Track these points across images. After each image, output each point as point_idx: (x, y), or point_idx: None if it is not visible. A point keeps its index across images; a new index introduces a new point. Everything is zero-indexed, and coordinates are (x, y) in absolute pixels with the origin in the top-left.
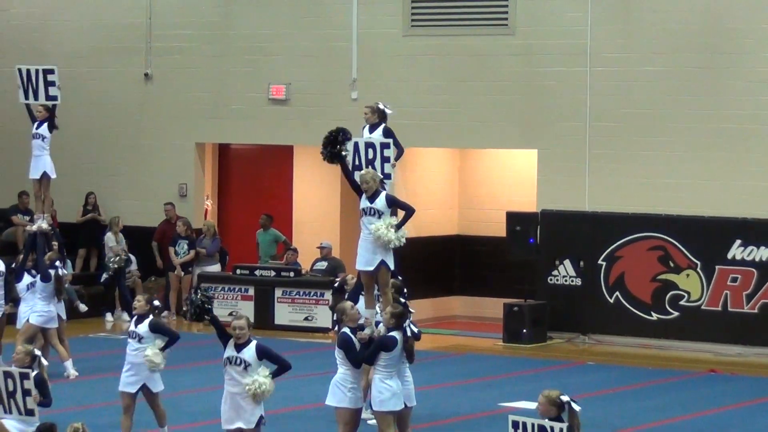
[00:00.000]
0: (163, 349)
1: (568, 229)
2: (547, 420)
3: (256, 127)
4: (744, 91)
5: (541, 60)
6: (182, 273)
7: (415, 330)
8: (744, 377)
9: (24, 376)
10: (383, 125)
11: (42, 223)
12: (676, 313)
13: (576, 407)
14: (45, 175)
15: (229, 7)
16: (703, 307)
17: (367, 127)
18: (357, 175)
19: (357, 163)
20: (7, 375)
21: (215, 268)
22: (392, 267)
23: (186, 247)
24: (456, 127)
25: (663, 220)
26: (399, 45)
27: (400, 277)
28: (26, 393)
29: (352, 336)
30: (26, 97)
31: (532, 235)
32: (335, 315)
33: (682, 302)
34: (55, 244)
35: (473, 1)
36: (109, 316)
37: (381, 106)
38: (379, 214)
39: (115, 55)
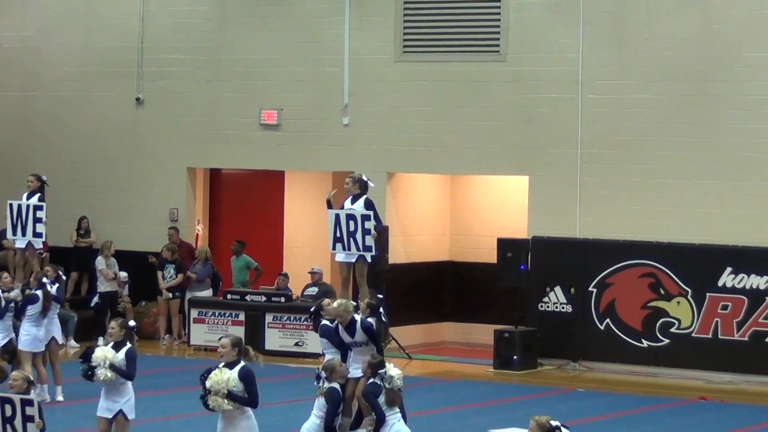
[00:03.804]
0: (113, 369)
1: (559, 256)
2: None
3: (248, 152)
4: (735, 119)
5: (533, 87)
6: (170, 295)
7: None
8: (735, 405)
9: (26, 403)
10: (365, 197)
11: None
12: (666, 341)
13: None
14: (30, 244)
15: (221, 32)
16: (693, 334)
17: (350, 198)
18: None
19: (338, 235)
20: (5, 401)
21: (207, 293)
22: (369, 260)
23: (173, 271)
24: (447, 153)
25: (654, 248)
26: (390, 71)
27: (380, 296)
28: (27, 419)
29: (339, 398)
30: (14, 233)
31: (523, 261)
32: (323, 373)
33: (672, 329)
34: (48, 268)
35: (465, 27)
36: (100, 341)
37: (364, 178)
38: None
39: (107, 79)
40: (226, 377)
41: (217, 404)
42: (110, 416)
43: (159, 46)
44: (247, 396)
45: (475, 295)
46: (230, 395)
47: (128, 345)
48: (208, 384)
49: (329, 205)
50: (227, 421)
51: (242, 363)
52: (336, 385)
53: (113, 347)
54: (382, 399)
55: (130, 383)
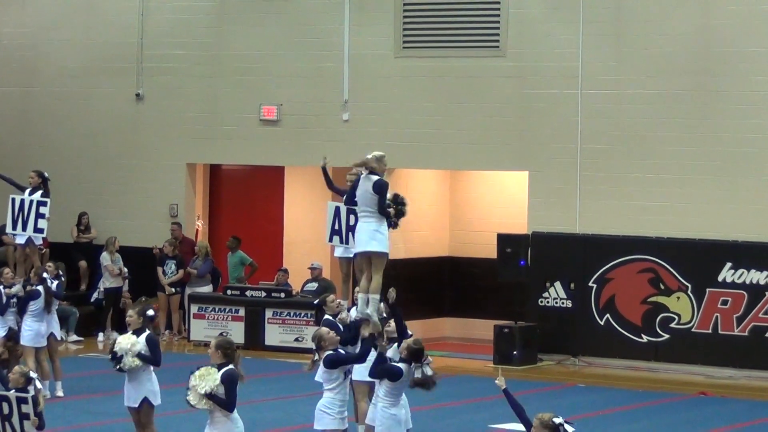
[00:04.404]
0: (140, 358)
1: (558, 251)
2: None
3: (248, 147)
4: (735, 114)
5: (533, 82)
6: (173, 291)
7: (429, 373)
8: (734, 400)
9: (22, 401)
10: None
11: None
12: (666, 336)
13: (569, 428)
14: (30, 240)
15: (220, 27)
16: (693, 329)
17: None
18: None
19: (337, 227)
20: (3, 398)
21: (207, 288)
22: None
23: (174, 267)
24: (447, 148)
25: (654, 243)
26: (390, 66)
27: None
28: (24, 417)
29: (338, 353)
30: (14, 227)
31: (522, 256)
32: (313, 342)
33: (672, 325)
34: (49, 264)
35: (465, 23)
36: (100, 336)
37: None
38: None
39: (107, 75)
40: (213, 377)
41: (193, 397)
42: (136, 405)
43: (159, 42)
44: (224, 401)
45: (475, 291)
46: (208, 395)
47: (147, 331)
48: (192, 381)
49: (325, 172)
50: (211, 422)
51: (230, 366)
52: (329, 352)
53: (133, 334)
54: (401, 383)
55: (152, 371)
